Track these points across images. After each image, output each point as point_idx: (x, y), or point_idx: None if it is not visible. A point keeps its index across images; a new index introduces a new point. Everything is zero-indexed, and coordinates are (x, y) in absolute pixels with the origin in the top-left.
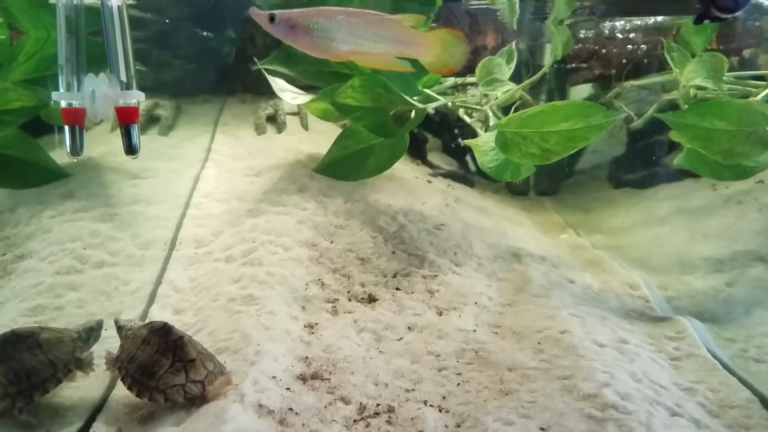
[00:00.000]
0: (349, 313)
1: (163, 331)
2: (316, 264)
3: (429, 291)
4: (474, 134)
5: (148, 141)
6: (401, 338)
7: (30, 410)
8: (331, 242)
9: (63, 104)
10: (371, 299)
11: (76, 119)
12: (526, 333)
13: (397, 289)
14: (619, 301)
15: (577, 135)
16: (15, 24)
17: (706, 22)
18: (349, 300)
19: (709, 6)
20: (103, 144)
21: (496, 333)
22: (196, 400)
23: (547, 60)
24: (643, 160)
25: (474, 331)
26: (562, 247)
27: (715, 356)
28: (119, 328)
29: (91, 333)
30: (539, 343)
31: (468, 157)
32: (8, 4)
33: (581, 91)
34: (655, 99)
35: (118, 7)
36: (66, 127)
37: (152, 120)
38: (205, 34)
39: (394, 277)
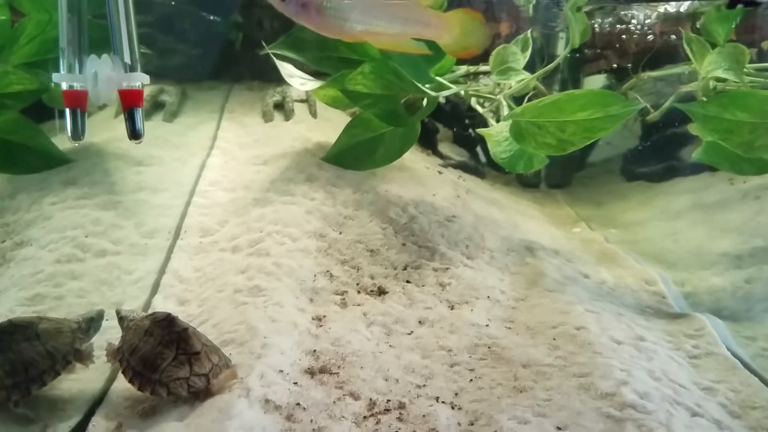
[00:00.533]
0: (359, 305)
1: (167, 322)
2: (325, 255)
3: (440, 284)
4: (485, 124)
5: (153, 127)
6: (412, 332)
7: (27, 403)
8: (340, 233)
9: (64, 86)
10: (381, 292)
11: (78, 102)
12: (541, 328)
13: (408, 281)
14: (634, 297)
15: (595, 125)
16: (16, 5)
17: (739, 6)
18: (359, 292)
19: None
20: (106, 130)
21: (509, 328)
22: (201, 394)
23: (562, 49)
24: (658, 153)
25: (486, 325)
26: (575, 240)
27: (735, 355)
28: (121, 319)
29: (92, 323)
30: (554, 339)
31: (479, 148)
32: None
33: (595, 81)
34: (672, 91)
35: None
36: (67, 110)
37: (157, 106)
38: (211, 18)
39: (405, 269)
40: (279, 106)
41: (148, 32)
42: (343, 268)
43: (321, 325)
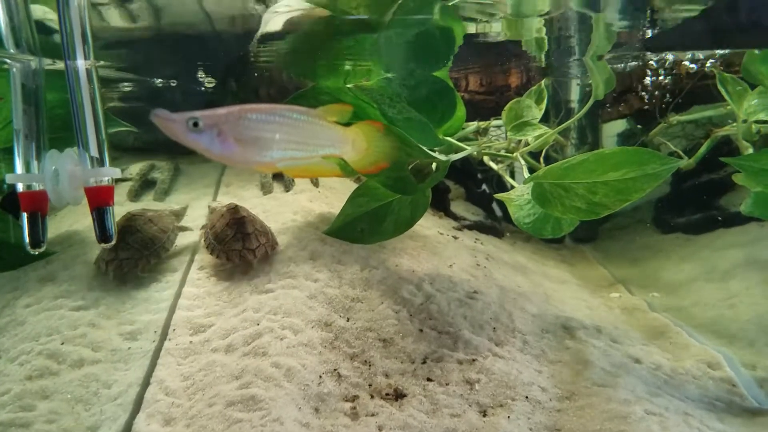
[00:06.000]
0: (372, 416)
1: (233, 210)
2: (331, 349)
3: (467, 381)
4: (501, 182)
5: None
6: None
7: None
8: (348, 320)
9: (20, 188)
10: (398, 395)
11: (37, 205)
12: None
13: (429, 379)
14: (699, 387)
15: (630, 186)
16: None
17: None
18: (372, 397)
19: None
20: (89, 216)
21: None
22: (251, 262)
23: (576, 95)
24: (694, 202)
25: None
26: (615, 310)
27: None
28: (210, 209)
29: (180, 212)
30: None
31: (495, 204)
32: None
33: (614, 127)
34: (702, 134)
35: (87, 70)
36: (24, 216)
37: (147, 184)
38: (202, 89)
39: (424, 362)
40: (278, 177)
41: (137, 106)
42: (353, 365)
43: None
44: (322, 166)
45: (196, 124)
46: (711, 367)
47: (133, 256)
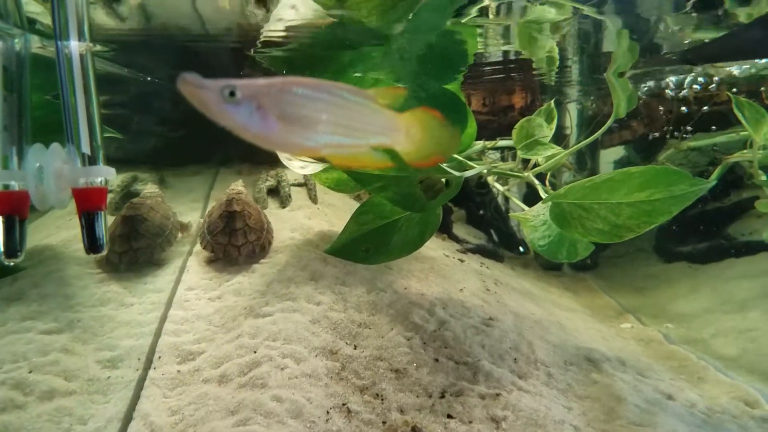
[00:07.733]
0: None
1: (227, 203)
2: (338, 380)
3: (492, 419)
4: (498, 206)
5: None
6: None
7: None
8: (355, 347)
9: None
10: None
11: (15, 207)
12: None
13: (449, 416)
14: (740, 427)
15: (657, 207)
16: None
17: None
18: None
19: None
20: (65, 228)
21: None
22: (237, 259)
23: (573, 120)
24: (698, 230)
25: None
26: (630, 342)
27: None
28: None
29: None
30: None
31: (492, 229)
32: None
33: (611, 154)
34: (706, 161)
35: (81, 55)
36: None
37: (129, 197)
38: None
39: (442, 396)
40: (273, 192)
41: (122, 113)
42: (363, 399)
43: None
44: (370, 157)
45: (233, 94)
46: (749, 405)
47: (148, 244)
